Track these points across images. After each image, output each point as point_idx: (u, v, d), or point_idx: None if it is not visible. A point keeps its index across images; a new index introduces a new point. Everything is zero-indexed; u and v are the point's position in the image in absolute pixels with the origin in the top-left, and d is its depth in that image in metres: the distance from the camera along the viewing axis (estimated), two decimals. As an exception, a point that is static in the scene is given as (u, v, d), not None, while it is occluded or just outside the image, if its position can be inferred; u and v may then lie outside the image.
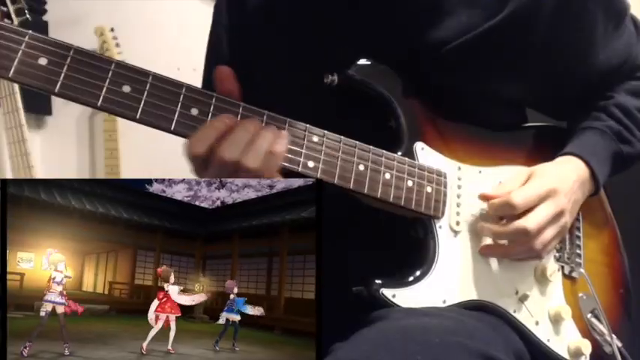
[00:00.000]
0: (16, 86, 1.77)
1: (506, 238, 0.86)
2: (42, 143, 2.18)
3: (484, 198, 0.87)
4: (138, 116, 0.67)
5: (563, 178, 0.89)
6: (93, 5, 2.19)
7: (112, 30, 2.11)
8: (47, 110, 2.19)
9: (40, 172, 1.85)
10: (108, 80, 0.65)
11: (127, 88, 0.66)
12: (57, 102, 2.22)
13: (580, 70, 0.95)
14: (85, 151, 2.25)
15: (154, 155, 2.05)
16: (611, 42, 0.95)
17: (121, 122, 2.09)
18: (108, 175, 2.07)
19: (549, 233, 0.85)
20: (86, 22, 2.13)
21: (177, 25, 2.22)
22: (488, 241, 0.87)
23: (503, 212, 0.84)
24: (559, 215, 0.86)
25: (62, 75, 0.63)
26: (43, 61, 0.63)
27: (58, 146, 2.22)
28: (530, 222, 0.83)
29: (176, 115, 0.68)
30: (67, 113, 2.22)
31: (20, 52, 0.62)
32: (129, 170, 2.09)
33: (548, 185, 0.86)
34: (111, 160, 2.07)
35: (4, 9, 1.64)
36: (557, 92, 0.98)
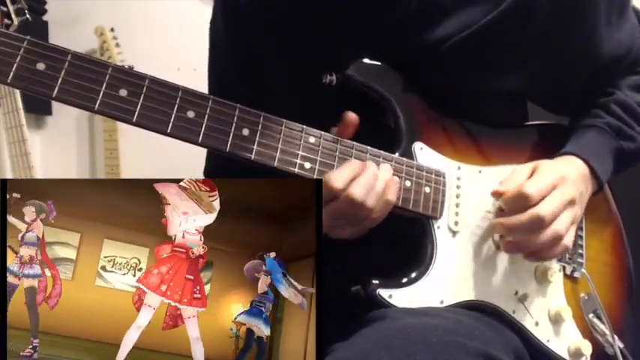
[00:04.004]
0: (16, 87, 1.76)
1: (521, 231, 0.83)
2: (42, 143, 2.19)
3: (496, 194, 0.86)
4: (134, 120, 0.67)
5: (567, 170, 0.89)
6: (93, 5, 2.19)
7: (112, 30, 2.10)
8: (47, 110, 2.19)
9: (40, 172, 1.85)
10: (105, 84, 0.66)
11: (123, 92, 0.67)
12: (57, 102, 2.22)
13: (582, 62, 0.95)
14: (85, 151, 2.25)
15: (153, 155, 2.05)
16: (615, 33, 0.94)
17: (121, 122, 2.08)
18: (108, 175, 2.07)
19: (565, 219, 0.83)
20: (86, 22, 2.13)
21: (177, 25, 2.22)
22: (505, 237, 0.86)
23: (518, 204, 0.83)
24: (571, 203, 0.85)
25: (60, 80, 0.64)
26: (41, 66, 0.64)
27: (58, 146, 2.22)
28: (543, 209, 0.81)
29: (172, 118, 0.69)
30: (67, 113, 2.22)
31: (19, 57, 0.63)
32: (129, 170, 2.09)
33: (557, 174, 0.85)
34: (111, 160, 2.08)
35: (4, 9, 1.63)
36: (558, 86, 0.97)
